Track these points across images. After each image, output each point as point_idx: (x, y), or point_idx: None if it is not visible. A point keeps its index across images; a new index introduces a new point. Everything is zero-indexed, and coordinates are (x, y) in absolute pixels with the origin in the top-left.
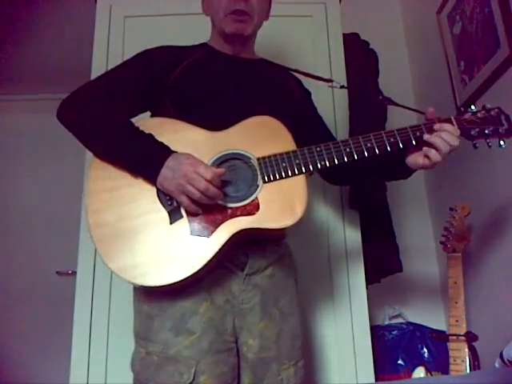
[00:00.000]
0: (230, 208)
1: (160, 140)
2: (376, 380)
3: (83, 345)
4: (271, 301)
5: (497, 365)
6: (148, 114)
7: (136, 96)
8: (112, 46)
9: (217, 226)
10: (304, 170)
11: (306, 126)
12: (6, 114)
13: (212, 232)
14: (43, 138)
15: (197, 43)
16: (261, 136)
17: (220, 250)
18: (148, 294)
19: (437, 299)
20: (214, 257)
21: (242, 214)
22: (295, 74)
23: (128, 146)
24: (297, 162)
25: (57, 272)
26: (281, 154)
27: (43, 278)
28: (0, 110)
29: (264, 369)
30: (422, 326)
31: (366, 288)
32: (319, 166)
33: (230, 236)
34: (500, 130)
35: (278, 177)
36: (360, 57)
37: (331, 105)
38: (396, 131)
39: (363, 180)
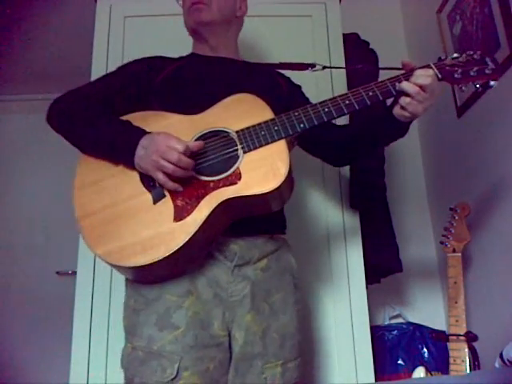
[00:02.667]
0: (212, 181)
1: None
2: (376, 380)
3: (83, 345)
4: (262, 294)
5: (497, 365)
6: None
7: (121, 105)
8: (112, 46)
9: (199, 200)
10: (283, 135)
11: None
12: (6, 114)
13: (195, 206)
14: (43, 138)
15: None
16: (238, 111)
17: (204, 223)
18: (134, 289)
19: (437, 299)
20: (197, 231)
21: (225, 185)
22: (283, 71)
23: (103, 134)
24: (275, 128)
25: (57, 272)
26: (259, 124)
27: (43, 278)
28: (0, 110)
29: (247, 365)
30: (422, 326)
31: (366, 288)
32: (298, 128)
33: (213, 208)
34: (486, 71)
35: (257, 145)
36: (360, 57)
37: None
38: (374, 85)
39: (364, 150)
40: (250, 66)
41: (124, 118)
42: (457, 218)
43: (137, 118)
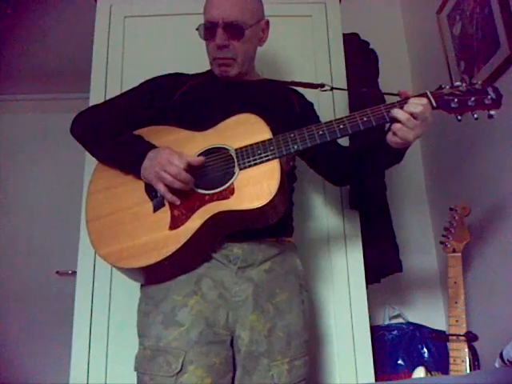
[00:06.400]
0: (208, 195)
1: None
2: (376, 380)
3: (83, 345)
4: (265, 295)
5: (497, 365)
6: None
7: (141, 120)
8: (112, 46)
9: (194, 211)
10: (277, 155)
11: None
12: (7, 113)
13: (189, 217)
14: (43, 137)
15: (197, 47)
16: (240, 131)
17: (195, 234)
18: (145, 292)
19: (437, 299)
20: (188, 240)
21: (218, 199)
22: (295, 87)
23: (118, 147)
24: (271, 148)
25: (57, 272)
26: (257, 143)
27: (43, 278)
28: (0, 110)
29: (253, 363)
30: (422, 326)
31: (366, 288)
32: (292, 150)
33: (204, 219)
34: (485, 101)
35: (252, 163)
36: (360, 57)
37: (331, 106)
38: (369, 111)
39: (362, 174)
40: (263, 85)
41: (138, 131)
42: (457, 218)
43: (149, 132)
